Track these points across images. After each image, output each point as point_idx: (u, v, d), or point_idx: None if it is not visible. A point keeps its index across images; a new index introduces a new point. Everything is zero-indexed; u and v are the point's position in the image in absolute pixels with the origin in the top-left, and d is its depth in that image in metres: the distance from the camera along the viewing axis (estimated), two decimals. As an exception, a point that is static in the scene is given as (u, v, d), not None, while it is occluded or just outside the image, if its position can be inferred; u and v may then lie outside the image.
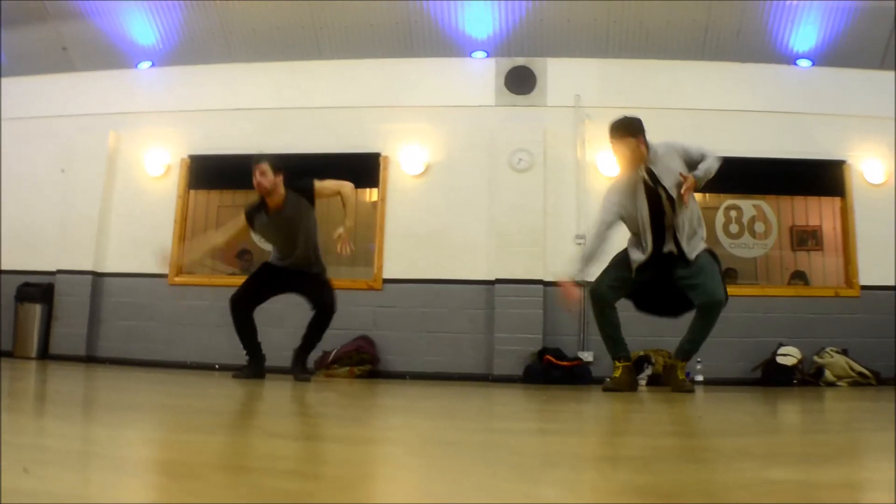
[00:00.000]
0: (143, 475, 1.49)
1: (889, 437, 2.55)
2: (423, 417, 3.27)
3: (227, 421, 2.83)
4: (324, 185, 6.36)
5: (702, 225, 5.84)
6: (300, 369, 6.54)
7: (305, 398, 4.31)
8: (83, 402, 3.54)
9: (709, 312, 5.68)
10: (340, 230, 6.17)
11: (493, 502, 1.26)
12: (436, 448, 2.12)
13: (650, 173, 5.65)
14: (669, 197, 5.57)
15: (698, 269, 5.65)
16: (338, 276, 9.22)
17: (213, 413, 3.19)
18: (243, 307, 6.65)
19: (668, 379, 6.28)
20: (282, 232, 6.40)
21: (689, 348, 5.94)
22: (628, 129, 5.76)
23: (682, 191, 5.44)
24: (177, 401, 3.91)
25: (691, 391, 5.88)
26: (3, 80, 9.45)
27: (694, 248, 5.66)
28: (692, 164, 5.64)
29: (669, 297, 5.89)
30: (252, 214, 6.40)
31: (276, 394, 4.62)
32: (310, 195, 6.34)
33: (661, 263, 5.70)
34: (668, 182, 5.57)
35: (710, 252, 5.84)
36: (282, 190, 6.27)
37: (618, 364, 5.90)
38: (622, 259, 5.90)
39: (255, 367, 6.55)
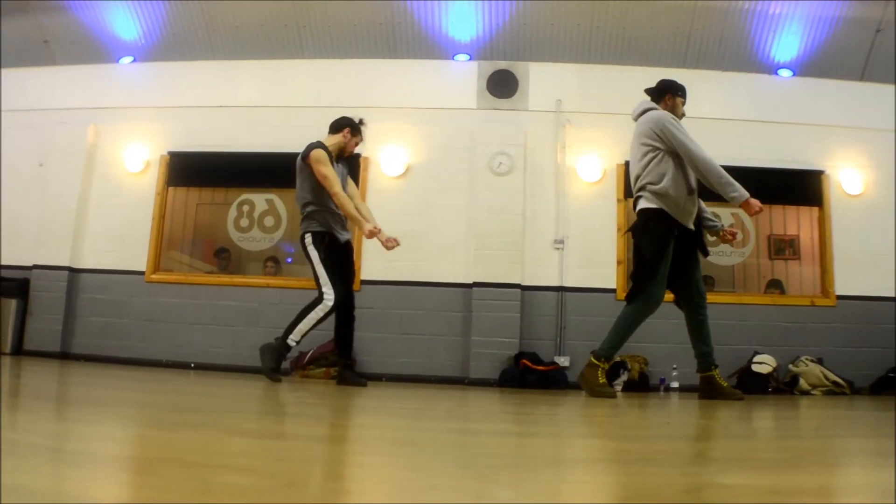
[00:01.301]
0: (96, 469, 1.47)
1: (856, 443, 2.56)
2: (390, 417, 3.26)
3: (193, 418, 2.81)
4: (319, 163, 6.22)
5: None
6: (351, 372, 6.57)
7: (276, 397, 4.29)
8: (51, 398, 3.52)
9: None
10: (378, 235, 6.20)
11: (442, 502, 1.25)
12: (396, 447, 2.11)
13: None
14: None
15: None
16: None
17: (180, 410, 3.17)
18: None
19: (712, 392, 5.83)
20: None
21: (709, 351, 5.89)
22: None
23: None
24: (146, 397, 3.89)
25: (741, 398, 5.74)
26: (-17, 72, 9.39)
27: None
28: None
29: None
30: (331, 157, 6.34)
31: (248, 393, 4.60)
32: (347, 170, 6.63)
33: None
34: None
35: None
36: None
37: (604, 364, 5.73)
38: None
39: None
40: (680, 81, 6.11)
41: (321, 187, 6.18)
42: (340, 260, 6.32)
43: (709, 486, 1.50)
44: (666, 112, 5.76)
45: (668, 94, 5.96)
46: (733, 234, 6.14)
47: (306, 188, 6.30)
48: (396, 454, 1.94)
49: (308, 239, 6.21)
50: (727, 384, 5.91)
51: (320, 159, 6.16)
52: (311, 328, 6.14)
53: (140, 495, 1.23)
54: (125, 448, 1.87)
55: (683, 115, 5.92)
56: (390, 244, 6.35)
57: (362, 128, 6.62)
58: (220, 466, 1.54)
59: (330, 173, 6.13)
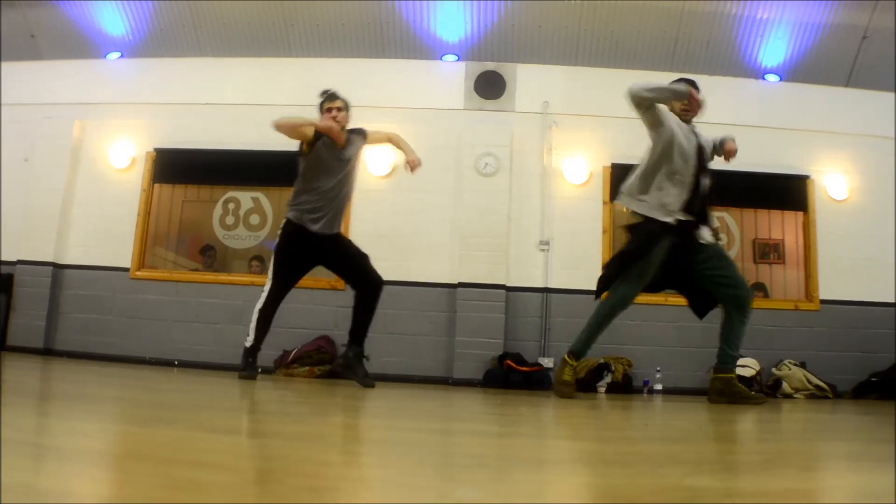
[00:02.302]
0: (61, 464, 1.47)
1: (831, 447, 2.57)
2: (367, 416, 3.27)
3: (170, 415, 2.81)
4: (376, 132, 6.28)
5: None
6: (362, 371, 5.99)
7: (256, 395, 4.29)
8: (29, 393, 3.51)
9: (748, 304, 5.51)
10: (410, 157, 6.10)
11: (403, 501, 1.26)
12: (368, 446, 2.12)
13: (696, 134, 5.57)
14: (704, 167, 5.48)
15: (719, 254, 5.55)
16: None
17: (157, 406, 3.17)
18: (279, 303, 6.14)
19: (731, 394, 5.61)
20: (334, 173, 5.93)
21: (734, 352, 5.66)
22: None
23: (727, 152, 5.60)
24: (124, 394, 3.88)
25: (762, 402, 5.65)
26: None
27: (712, 224, 5.59)
28: None
29: (690, 291, 5.70)
30: (318, 137, 5.85)
31: (228, 391, 4.60)
32: (364, 139, 6.22)
33: (683, 234, 5.42)
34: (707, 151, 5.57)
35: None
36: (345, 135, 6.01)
37: (572, 361, 5.61)
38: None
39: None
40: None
41: (305, 173, 5.91)
42: (310, 255, 6.02)
43: (675, 488, 1.50)
44: None
45: None
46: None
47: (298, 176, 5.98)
48: (367, 453, 1.95)
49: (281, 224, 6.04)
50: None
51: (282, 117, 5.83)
52: (259, 319, 6.04)
53: (100, 490, 1.23)
54: (95, 443, 1.87)
55: (683, 114, 5.63)
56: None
57: (334, 96, 6.02)
58: (187, 462, 1.54)
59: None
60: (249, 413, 3.16)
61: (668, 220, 5.34)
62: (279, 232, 6.04)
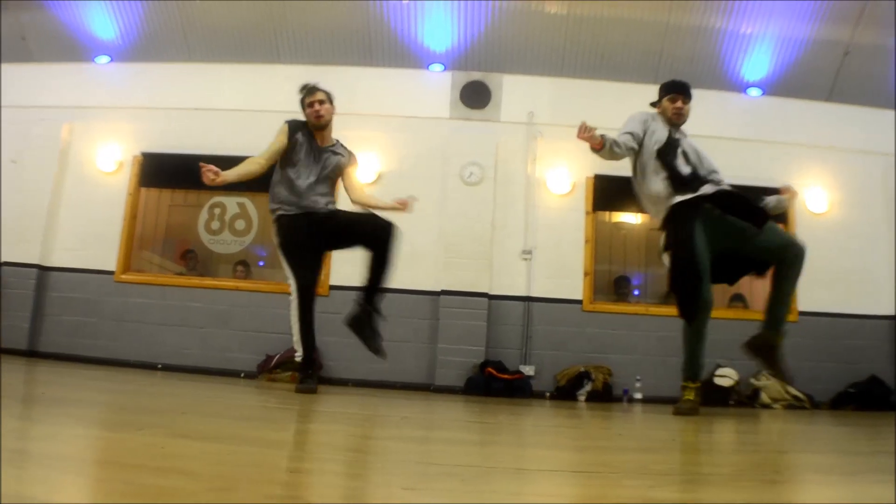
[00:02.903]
0: (25, 467, 1.48)
1: (801, 459, 2.62)
2: (343, 423, 3.31)
3: (141, 419, 2.84)
4: (359, 186, 6.15)
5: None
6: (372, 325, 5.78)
7: (235, 401, 4.32)
8: (7, 396, 3.53)
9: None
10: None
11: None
12: (337, 454, 2.15)
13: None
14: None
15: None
16: (285, 280, 9.25)
17: (133, 411, 3.20)
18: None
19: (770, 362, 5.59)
20: (310, 168, 5.77)
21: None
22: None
23: None
24: (104, 397, 3.90)
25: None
26: (-43, 67, 9.35)
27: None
28: None
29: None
30: (296, 130, 5.75)
31: (208, 395, 4.62)
32: (351, 162, 6.03)
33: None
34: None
35: None
36: (331, 130, 5.91)
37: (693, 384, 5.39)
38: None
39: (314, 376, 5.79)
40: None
41: (281, 162, 5.75)
42: (314, 234, 5.74)
43: (638, 500, 1.55)
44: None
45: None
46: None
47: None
48: (335, 460, 1.98)
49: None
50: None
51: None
52: (301, 328, 5.63)
53: (63, 496, 1.24)
54: (66, 448, 1.89)
55: (672, 115, 5.59)
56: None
57: (314, 90, 5.87)
58: (155, 469, 1.56)
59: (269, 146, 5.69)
60: (226, 419, 3.19)
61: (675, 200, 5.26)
62: (275, 232, 5.77)
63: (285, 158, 5.73)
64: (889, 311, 8.59)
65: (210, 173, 5.22)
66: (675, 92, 5.62)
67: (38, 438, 1.98)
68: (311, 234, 5.71)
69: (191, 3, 9.16)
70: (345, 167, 5.99)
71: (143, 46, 9.52)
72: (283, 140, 5.69)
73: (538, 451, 2.56)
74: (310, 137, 5.79)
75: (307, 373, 5.66)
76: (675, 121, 5.55)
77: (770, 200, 5.64)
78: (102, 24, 9.45)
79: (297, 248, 5.66)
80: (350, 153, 6.05)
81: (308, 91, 5.86)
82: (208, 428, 2.66)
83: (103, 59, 9.59)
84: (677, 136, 5.51)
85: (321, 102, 5.81)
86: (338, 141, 6.02)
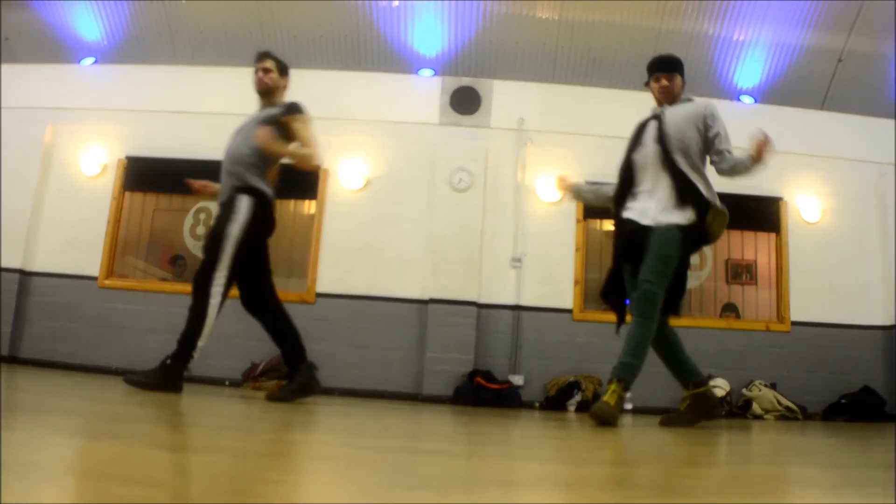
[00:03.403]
0: None
1: (788, 471, 2.55)
2: (323, 433, 3.23)
3: (120, 428, 2.75)
4: (299, 128, 5.28)
5: None
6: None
7: (218, 410, 4.23)
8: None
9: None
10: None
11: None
12: (313, 463, 2.09)
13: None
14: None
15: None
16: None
17: (113, 419, 3.11)
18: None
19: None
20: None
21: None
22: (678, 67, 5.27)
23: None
24: (82, 405, 3.81)
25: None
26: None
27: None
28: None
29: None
30: None
31: (190, 403, 4.53)
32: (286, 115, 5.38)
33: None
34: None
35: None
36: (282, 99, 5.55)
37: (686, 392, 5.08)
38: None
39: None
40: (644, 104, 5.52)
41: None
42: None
43: None
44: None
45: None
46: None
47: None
48: (310, 471, 1.92)
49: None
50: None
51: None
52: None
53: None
54: (34, 456, 1.82)
55: (659, 96, 5.26)
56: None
57: (264, 56, 5.70)
58: (124, 479, 1.50)
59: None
60: (204, 428, 3.11)
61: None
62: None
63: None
64: (882, 322, 8.56)
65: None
66: (653, 71, 5.29)
67: (10, 445, 1.89)
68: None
69: (177, 4, 9.09)
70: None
71: (129, 48, 9.44)
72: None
73: (517, 462, 2.49)
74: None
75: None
76: (663, 101, 5.18)
77: (739, 162, 5.15)
78: (87, 25, 9.37)
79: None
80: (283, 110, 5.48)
81: (256, 57, 5.69)
82: (184, 438, 2.59)
83: (88, 61, 9.51)
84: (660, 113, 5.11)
85: (266, 71, 5.61)
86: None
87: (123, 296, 8.66)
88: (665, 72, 5.23)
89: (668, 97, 5.17)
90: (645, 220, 4.84)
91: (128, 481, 1.46)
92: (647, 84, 5.30)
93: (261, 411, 4.47)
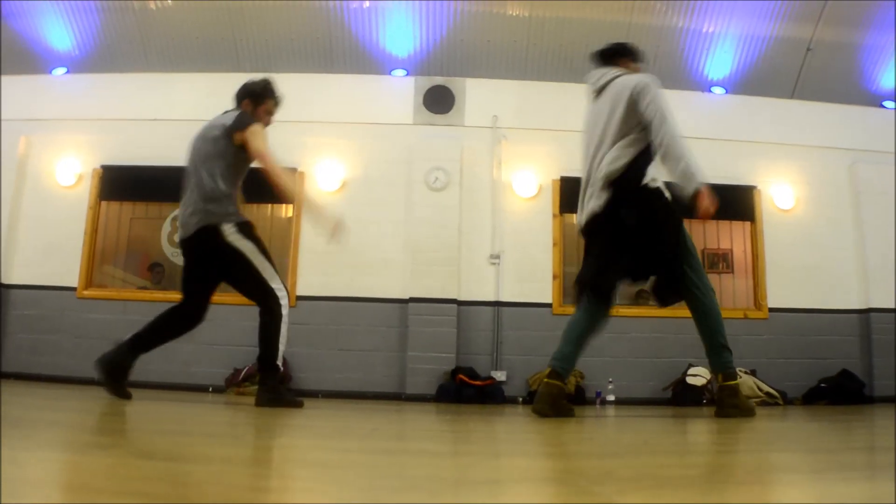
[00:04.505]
0: None
1: (773, 458, 2.59)
2: (311, 437, 3.23)
3: (108, 440, 2.75)
4: (253, 140, 5.16)
5: None
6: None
7: (203, 417, 4.23)
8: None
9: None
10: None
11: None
12: (303, 469, 2.09)
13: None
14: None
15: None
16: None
17: (99, 432, 3.11)
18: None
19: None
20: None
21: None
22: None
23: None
24: (67, 417, 3.80)
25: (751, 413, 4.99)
26: None
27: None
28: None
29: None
30: None
31: (174, 411, 4.53)
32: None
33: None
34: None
35: None
36: None
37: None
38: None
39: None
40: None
41: (236, 168, 5.29)
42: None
43: None
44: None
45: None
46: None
47: (221, 167, 5.24)
48: (300, 477, 1.92)
49: (230, 230, 5.11)
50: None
51: (259, 133, 5.20)
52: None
53: None
54: (22, 472, 1.82)
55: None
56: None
57: (274, 100, 5.58)
58: (115, 492, 1.50)
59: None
60: (190, 436, 3.11)
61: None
62: (245, 235, 5.19)
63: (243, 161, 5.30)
64: (857, 305, 8.67)
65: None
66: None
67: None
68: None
69: (148, 12, 9.05)
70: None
71: (101, 57, 9.39)
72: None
73: (510, 459, 2.51)
74: None
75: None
76: None
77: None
78: (59, 35, 9.31)
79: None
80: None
81: (276, 99, 5.66)
82: (171, 447, 2.58)
83: (60, 71, 9.45)
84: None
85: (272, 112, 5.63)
86: None
87: (103, 305, 8.62)
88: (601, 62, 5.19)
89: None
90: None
91: (122, 494, 1.46)
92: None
93: (246, 417, 4.48)
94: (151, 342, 5.48)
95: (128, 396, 5.18)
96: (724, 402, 4.98)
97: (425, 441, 3.25)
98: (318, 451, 2.60)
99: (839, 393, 8.06)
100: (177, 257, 9.02)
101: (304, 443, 2.96)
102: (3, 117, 9.03)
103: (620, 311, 8.53)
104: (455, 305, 8.32)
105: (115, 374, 5.26)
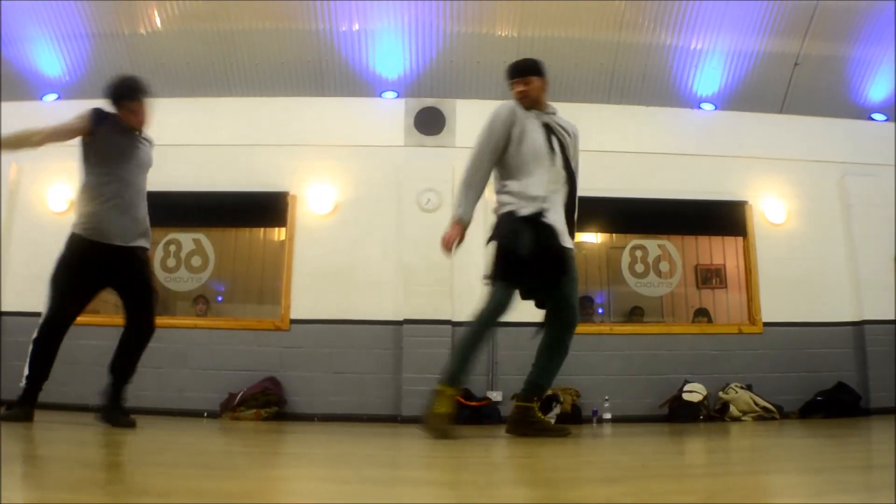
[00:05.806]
0: None
1: (773, 480, 2.58)
2: (308, 466, 3.22)
3: (102, 476, 2.73)
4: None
5: None
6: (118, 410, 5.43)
7: (198, 445, 4.21)
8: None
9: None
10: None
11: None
12: (286, 499, 2.09)
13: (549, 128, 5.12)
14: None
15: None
16: (244, 315, 9.12)
17: (91, 466, 3.08)
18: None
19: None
20: (140, 169, 5.57)
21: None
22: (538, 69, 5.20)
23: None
24: (58, 451, 3.77)
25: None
26: None
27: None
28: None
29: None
30: (102, 120, 5.44)
31: (168, 440, 4.50)
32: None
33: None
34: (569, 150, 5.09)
35: None
36: None
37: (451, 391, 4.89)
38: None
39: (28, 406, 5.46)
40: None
41: (96, 160, 5.43)
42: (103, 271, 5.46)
43: None
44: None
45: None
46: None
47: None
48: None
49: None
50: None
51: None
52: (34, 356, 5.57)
53: None
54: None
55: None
56: None
57: (140, 99, 5.56)
58: None
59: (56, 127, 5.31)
60: (184, 468, 3.09)
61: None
62: (67, 247, 5.46)
63: (95, 151, 5.53)
64: (850, 318, 8.69)
65: None
66: (509, 77, 5.31)
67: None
68: (102, 268, 5.57)
69: (138, 37, 9.05)
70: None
71: (91, 83, 9.37)
72: (82, 123, 5.52)
73: (508, 489, 2.49)
74: (123, 130, 5.59)
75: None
76: (524, 105, 5.22)
77: None
78: (49, 61, 9.31)
79: (76, 279, 5.56)
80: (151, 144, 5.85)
81: (122, 96, 5.59)
82: (167, 481, 2.57)
83: (51, 97, 9.44)
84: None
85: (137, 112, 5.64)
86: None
87: (95, 331, 8.56)
88: (519, 77, 5.22)
89: (527, 101, 5.20)
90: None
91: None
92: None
93: (242, 445, 4.46)
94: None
95: (132, 425, 5.26)
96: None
97: (421, 469, 3.24)
98: (316, 482, 2.58)
99: (836, 406, 8.06)
100: (170, 282, 9.00)
101: (299, 473, 2.94)
102: (-7, 144, 9.02)
103: (614, 328, 8.57)
104: (449, 326, 8.30)
105: (116, 416, 5.39)
